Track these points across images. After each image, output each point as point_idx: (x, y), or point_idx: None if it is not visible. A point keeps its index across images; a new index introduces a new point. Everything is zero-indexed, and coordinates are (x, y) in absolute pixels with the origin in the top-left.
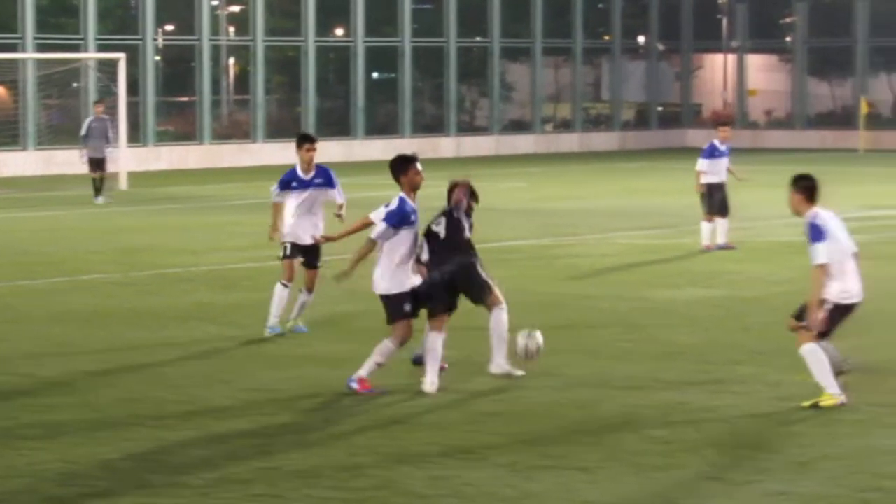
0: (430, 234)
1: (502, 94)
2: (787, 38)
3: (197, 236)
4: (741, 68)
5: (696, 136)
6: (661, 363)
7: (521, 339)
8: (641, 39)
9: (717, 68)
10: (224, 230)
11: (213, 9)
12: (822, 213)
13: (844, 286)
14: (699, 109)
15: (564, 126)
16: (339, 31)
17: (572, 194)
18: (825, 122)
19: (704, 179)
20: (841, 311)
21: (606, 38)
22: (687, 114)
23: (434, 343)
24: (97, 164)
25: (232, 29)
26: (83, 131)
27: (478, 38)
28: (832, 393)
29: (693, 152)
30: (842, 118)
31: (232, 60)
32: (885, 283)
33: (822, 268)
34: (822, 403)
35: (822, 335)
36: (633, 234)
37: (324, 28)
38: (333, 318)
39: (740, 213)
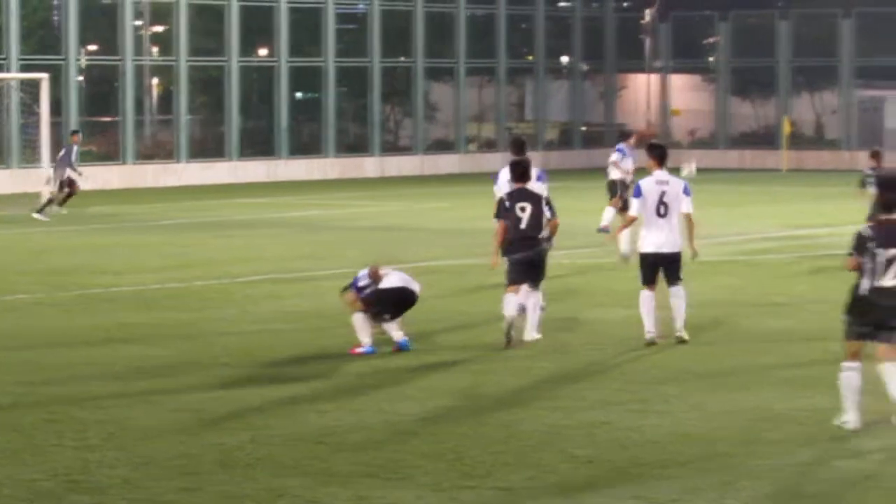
0: None
1: (426, 113)
2: (710, 58)
3: (120, 256)
4: (664, 88)
5: None
6: (586, 382)
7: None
8: (565, 59)
9: (640, 88)
10: (147, 250)
11: (137, 29)
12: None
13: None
14: (623, 129)
15: (488, 146)
16: (263, 52)
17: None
18: (748, 142)
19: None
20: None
21: (530, 58)
22: (610, 134)
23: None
24: (67, 184)
25: (155, 49)
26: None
27: (402, 58)
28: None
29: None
30: (764, 138)
31: (155, 80)
32: (804, 302)
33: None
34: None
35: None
36: (557, 254)
37: (247, 48)
38: (258, 341)
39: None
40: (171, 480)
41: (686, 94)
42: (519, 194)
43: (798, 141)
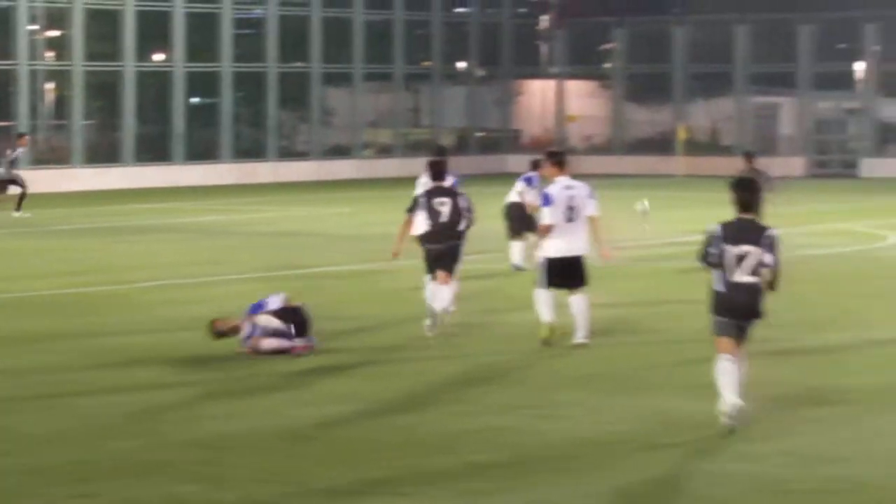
0: None
1: (322, 119)
2: (607, 64)
3: (15, 262)
4: (561, 94)
5: (516, 162)
6: (485, 387)
7: None
8: (461, 65)
9: (536, 94)
10: (42, 256)
11: (32, 33)
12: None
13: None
14: (519, 135)
15: (385, 151)
16: (159, 56)
17: (394, 219)
18: (644, 148)
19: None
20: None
21: (426, 63)
22: (507, 139)
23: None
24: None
25: (50, 54)
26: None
27: (298, 64)
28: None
29: (513, 178)
30: (660, 144)
31: (50, 85)
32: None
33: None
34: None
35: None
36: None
37: (143, 53)
38: (155, 346)
39: None
40: (66, 487)
41: (582, 100)
42: (437, 191)
43: (693, 147)
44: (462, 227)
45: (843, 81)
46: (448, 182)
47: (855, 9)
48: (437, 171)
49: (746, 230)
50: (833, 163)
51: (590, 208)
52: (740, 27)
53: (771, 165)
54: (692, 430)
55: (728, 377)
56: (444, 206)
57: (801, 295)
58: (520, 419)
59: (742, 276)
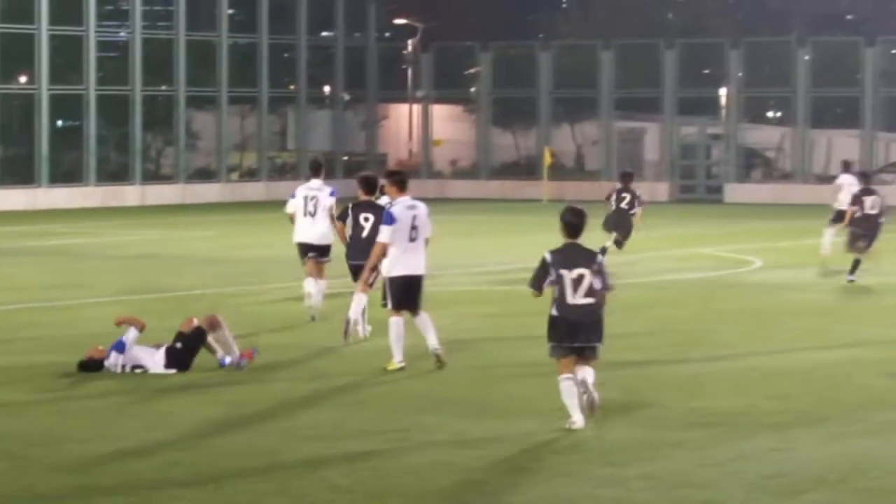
0: None
1: (188, 142)
2: (472, 89)
3: None
4: (426, 118)
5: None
6: (346, 411)
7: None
8: (327, 89)
9: (402, 118)
10: None
11: None
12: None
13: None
14: (385, 159)
15: (250, 175)
16: (23, 79)
17: (259, 242)
18: (509, 172)
19: None
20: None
21: (292, 87)
22: (372, 163)
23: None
24: None
25: None
26: None
27: (163, 87)
28: (397, 360)
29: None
30: (526, 168)
31: None
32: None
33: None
34: (389, 367)
35: (396, 307)
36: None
37: (7, 75)
38: (17, 370)
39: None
40: None
41: (448, 124)
42: (365, 206)
43: (559, 171)
44: None
45: (708, 107)
46: (378, 198)
47: (718, 35)
48: (369, 186)
49: (578, 255)
50: (698, 188)
51: (427, 229)
52: (605, 52)
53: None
54: (554, 454)
55: (571, 397)
56: (368, 222)
57: (667, 319)
58: (381, 444)
59: (578, 299)
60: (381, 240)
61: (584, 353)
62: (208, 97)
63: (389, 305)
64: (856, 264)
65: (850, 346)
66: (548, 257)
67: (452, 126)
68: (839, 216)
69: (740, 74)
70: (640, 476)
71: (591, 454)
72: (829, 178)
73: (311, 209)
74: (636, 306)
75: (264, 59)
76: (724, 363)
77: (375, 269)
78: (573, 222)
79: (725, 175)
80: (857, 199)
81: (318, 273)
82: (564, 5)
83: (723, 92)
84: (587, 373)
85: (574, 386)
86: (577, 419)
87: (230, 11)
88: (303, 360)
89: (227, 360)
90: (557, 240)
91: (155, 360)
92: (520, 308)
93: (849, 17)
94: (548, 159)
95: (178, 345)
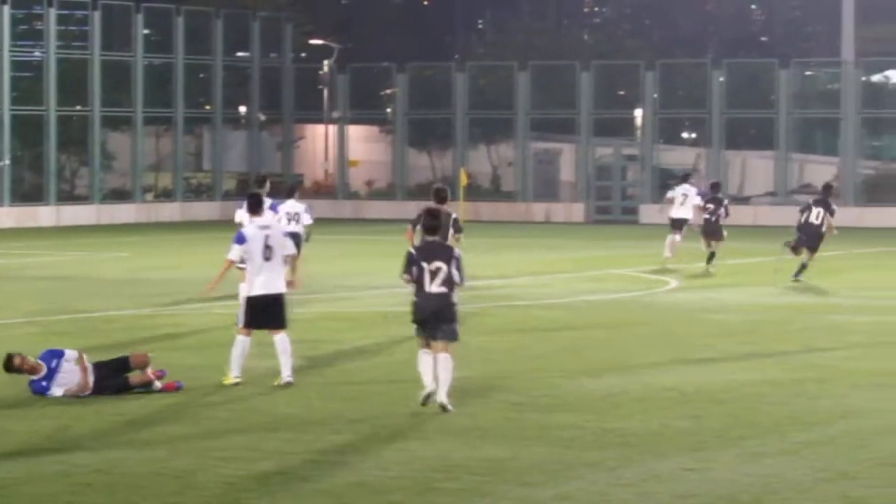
0: None
1: (103, 162)
2: (388, 110)
3: None
4: (342, 139)
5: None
6: (261, 433)
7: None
8: (243, 109)
9: (318, 138)
10: None
11: None
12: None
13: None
14: (301, 179)
15: (165, 195)
16: None
17: (173, 264)
18: (425, 193)
19: None
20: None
21: (208, 107)
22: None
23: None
24: None
25: None
26: None
27: (78, 107)
28: (233, 375)
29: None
30: None
31: None
32: (479, 352)
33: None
34: (225, 382)
35: (246, 325)
36: (234, 304)
37: None
38: None
39: (344, 283)
40: None
41: (364, 144)
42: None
43: (475, 192)
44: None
45: (623, 128)
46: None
47: (634, 57)
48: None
49: (436, 250)
50: (613, 209)
51: (288, 247)
52: (521, 74)
53: (553, 211)
54: (471, 474)
55: (425, 366)
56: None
57: (582, 339)
58: (296, 464)
59: (434, 288)
60: (228, 257)
61: (440, 337)
62: (123, 117)
63: (240, 323)
64: (801, 267)
65: (765, 367)
66: (413, 252)
67: (368, 147)
68: (676, 223)
69: (655, 96)
70: (556, 496)
71: (507, 475)
72: (743, 199)
73: None
74: (552, 327)
75: (180, 80)
76: (639, 383)
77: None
78: (430, 224)
79: (641, 196)
80: (705, 208)
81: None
82: (481, 26)
83: (638, 113)
84: (442, 368)
85: (429, 357)
86: (429, 384)
87: (145, 31)
88: (216, 381)
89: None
90: (472, 260)
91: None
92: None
93: (763, 39)
94: (464, 180)
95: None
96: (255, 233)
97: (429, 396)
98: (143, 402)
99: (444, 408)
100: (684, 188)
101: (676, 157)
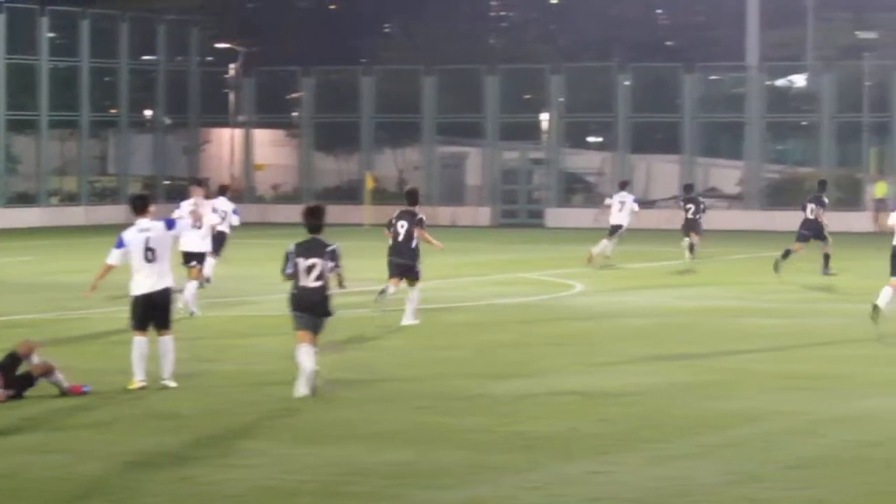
0: None
1: (7, 166)
2: (294, 113)
3: None
4: (248, 143)
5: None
6: (165, 436)
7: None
8: (148, 113)
9: (224, 142)
10: None
11: None
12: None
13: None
14: (207, 183)
15: (70, 199)
16: None
17: (80, 268)
18: (332, 197)
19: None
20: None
21: (113, 111)
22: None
23: None
24: None
25: None
26: None
27: None
28: (137, 379)
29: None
30: (348, 193)
31: None
32: (401, 355)
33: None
34: (130, 386)
35: (137, 326)
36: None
37: None
38: None
39: (247, 288)
40: None
41: (270, 148)
42: (403, 214)
43: (381, 196)
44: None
45: (529, 132)
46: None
47: (540, 61)
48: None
49: (313, 247)
50: (520, 213)
51: (166, 247)
52: (428, 78)
53: (459, 215)
54: (379, 478)
55: (306, 356)
56: (403, 228)
57: (488, 343)
58: (202, 469)
59: (309, 282)
60: (107, 261)
61: (312, 327)
62: (28, 121)
63: (132, 325)
64: (826, 259)
65: (671, 370)
66: (291, 248)
67: (274, 151)
68: (612, 229)
69: (562, 100)
70: (465, 499)
71: (415, 478)
72: (648, 203)
73: (198, 225)
74: (458, 331)
75: (85, 83)
76: (545, 387)
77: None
78: (309, 223)
79: (547, 200)
80: (685, 208)
81: (197, 277)
82: (387, 30)
83: (544, 117)
84: (306, 356)
85: (309, 349)
86: (307, 373)
87: (50, 35)
88: (123, 384)
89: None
90: (378, 264)
91: None
92: (352, 334)
93: (668, 43)
94: (370, 184)
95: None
96: (134, 236)
97: (313, 375)
98: (49, 407)
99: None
100: (622, 195)
101: (583, 160)
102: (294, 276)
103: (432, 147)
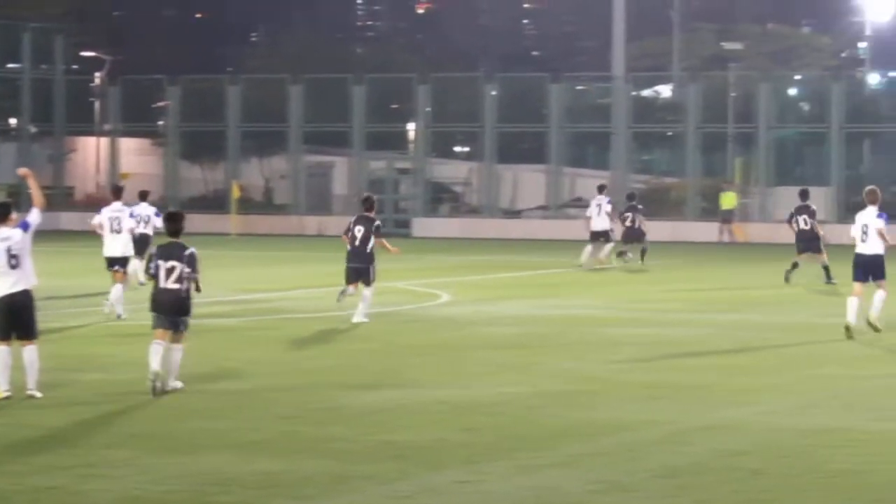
0: None
1: None
2: (160, 122)
3: None
4: (114, 151)
5: (69, 219)
6: (32, 447)
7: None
8: (13, 121)
9: (90, 151)
10: None
11: None
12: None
13: None
14: (72, 192)
15: None
16: None
17: None
18: (198, 206)
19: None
20: None
21: None
22: (60, 196)
23: None
24: None
25: None
26: None
27: None
28: (2, 389)
29: (67, 234)
30: (214, 202)
31: None
32: (257, 365)
33: None
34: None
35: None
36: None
37: None
38: None
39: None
40: None
41: (136, 157)
42: (359, 219)
43: (247, 205)
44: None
45: (396, 142)
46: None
47: (407, 71)
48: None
49: (173, 250)
50: (386, 222)
51: (26, 252)
52: (294, 87)
53: (326, 224)
54: (244, 488)
55: (155, 355)
56: (360, 233)
57: (354, 353)
58: (67, 479)
59: (169, 284)
60: None
61: (173, 328)
62: None
63: None
64: (826, 270)
65: (537, 379)
66: (153, 251)
67: (140, 159)
68: (596, 235)
69: (428, 110)
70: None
71: (281, 488)
72: (514, 213)
73: (117, 227)
74: (327, 340)
75: None
76: (412, 396)
77: None
78: (168, 227)
79: (413, 209)
80: (622, 217)
81: (121, 280)
82: (254, 39)
83: (411, 127)
84: (173, 364)
85: (160, 347)
86: (155, 366)
87: None
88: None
89: None
90: (245, 274)
91: None
92: (213, 345)
93: (535, 53)
94: (236, 193)
95: None
96: None
97: (155, 377)
98: None
99: (164, 391)
100: (598, 199)
101: (449, 170)
102: (156, 277)
103: (299, 156)
